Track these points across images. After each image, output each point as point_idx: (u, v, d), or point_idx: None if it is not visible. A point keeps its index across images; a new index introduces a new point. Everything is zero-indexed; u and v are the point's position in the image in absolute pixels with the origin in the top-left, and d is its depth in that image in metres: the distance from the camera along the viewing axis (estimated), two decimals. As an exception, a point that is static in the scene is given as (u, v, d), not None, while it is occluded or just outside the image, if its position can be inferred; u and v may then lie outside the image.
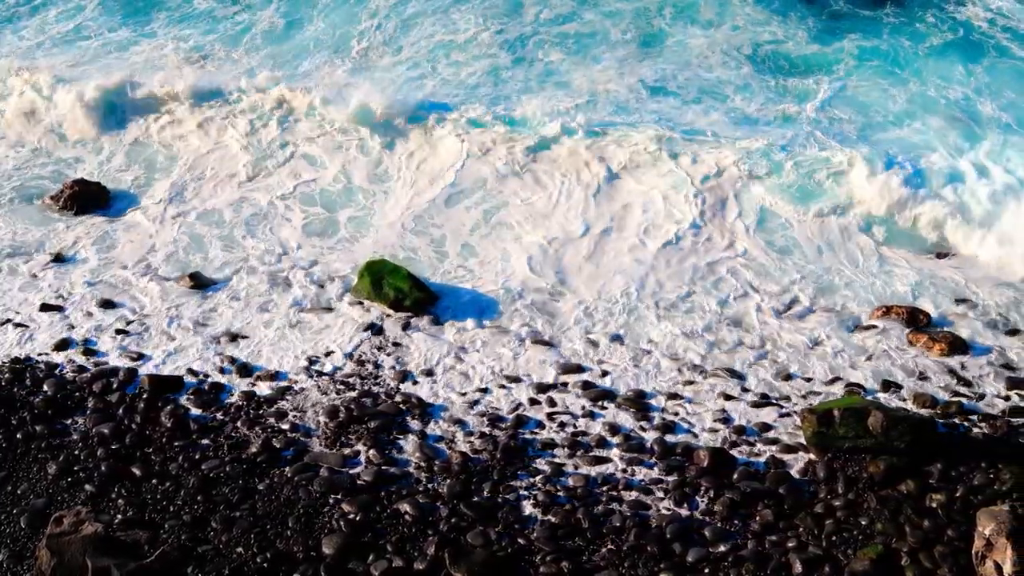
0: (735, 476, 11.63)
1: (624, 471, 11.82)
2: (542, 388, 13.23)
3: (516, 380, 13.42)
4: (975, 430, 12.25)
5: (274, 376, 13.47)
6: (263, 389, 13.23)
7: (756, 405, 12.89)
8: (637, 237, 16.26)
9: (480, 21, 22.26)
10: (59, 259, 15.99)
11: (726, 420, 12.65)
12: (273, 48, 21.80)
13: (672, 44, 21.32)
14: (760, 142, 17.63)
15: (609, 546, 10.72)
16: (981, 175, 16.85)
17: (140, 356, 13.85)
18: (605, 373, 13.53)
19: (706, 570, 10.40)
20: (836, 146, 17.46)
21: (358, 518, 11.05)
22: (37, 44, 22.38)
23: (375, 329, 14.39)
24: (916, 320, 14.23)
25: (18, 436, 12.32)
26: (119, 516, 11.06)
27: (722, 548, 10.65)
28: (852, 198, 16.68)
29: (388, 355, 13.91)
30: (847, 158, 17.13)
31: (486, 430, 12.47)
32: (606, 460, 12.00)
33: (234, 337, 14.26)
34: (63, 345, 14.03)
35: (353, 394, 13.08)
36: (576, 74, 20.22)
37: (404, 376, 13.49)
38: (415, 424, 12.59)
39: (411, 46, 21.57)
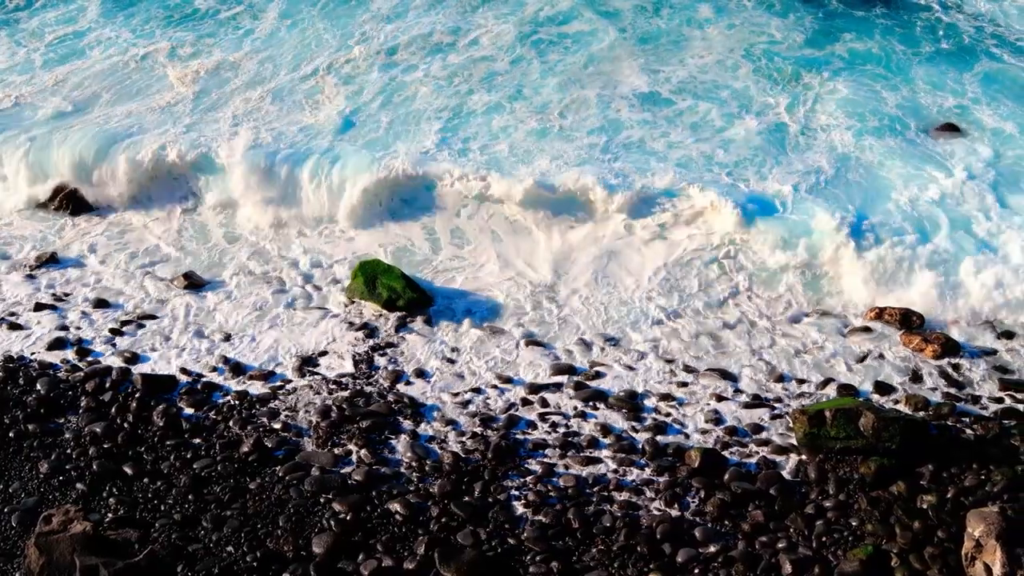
0: (726, 477, 11.62)
1: (615, 471, 11.82)
2: (535, 388, 13.23)
3: (509, 381, 13.43)
4: (967, 432, 12.24)
5: (267, 376, 13.49)
6: (255, 388, 13.25)
7: (748, 406, 12.90)
8: (632, 241, 16.21)
9: (476, 20, 22.34)
10: (54, 259, 16.02)
11: (718, 421, 12.66)
12: (272, 50, 21.71)
13: (667, 43, 21.31)
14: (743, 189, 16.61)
15: (599, 546, 10.71)
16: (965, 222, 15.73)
17: (134, 355, 13.86)
18: (598, 374, 13.53)
19: (696, 570, 10.39)
20: (819, 212, 15.79)
21: (349, 517, 11.05)
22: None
23: (368, 329, 14.41)
24: (909, 322, 14.22)
25: (10, 435, 12.34)
26: (110, 515, 11.07)
27: (712, 548, 10.64)
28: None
29: (381, 355, 13.93)
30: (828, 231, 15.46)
31: (478, 430, 12.48)
32: (597, 460, 12.00)
33: (227, 336, 14.28)
34: (57, 344, 14.05)
35: (345, 394, 13.09)
36: (568, 80, 20.01)
37: (397, 376, 13.49)
38: (407, 424, 12.60)
39: (406, 44, 21.55)
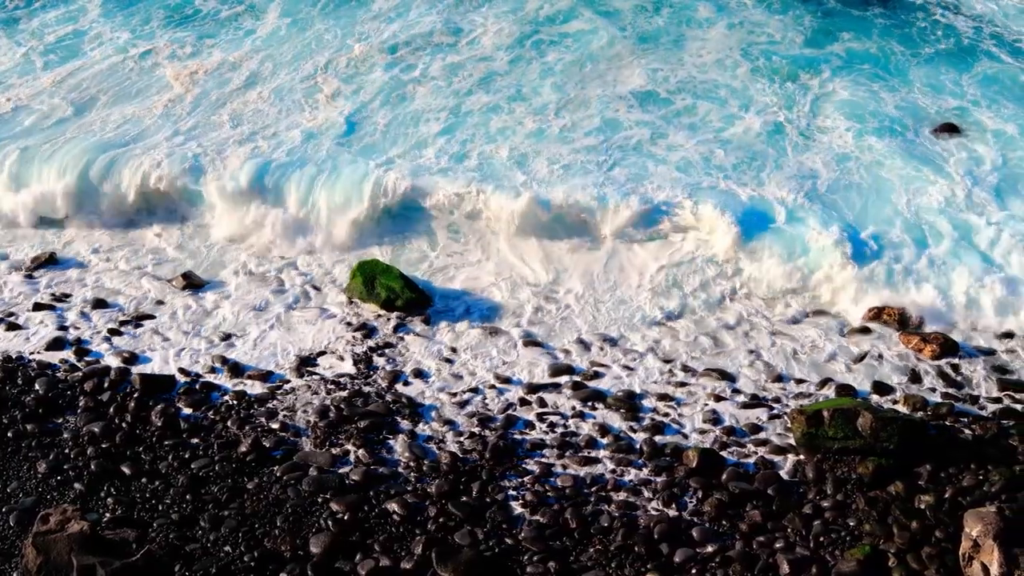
0: (724, 477, 11.62)
1: (613, 472, 11.82)
2: (533, 389, 13.23)
3: (507, 381, 13.43)
4: (965, 432, 12.24)
5: (265, 376, 13.49)
6: (254, 388, 13.25)
7: (746, 406, 12.90)
8: (631, 243, 16.18)
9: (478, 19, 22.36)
10: (53, 259, 16.03)
11: (716, 421, 12.65)
12: (273, 50, 21.68)
13: (666, 43, 21.29)
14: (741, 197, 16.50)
15: (597, 546, 10.71)
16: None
17: (132, 355, 13.87)
18: (597, 374, 13.53)
19: (693, 570, 10.38)
20: (817, 226, 15.53)
21: (346, 517, 11.05)
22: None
23: (367, 329, 14.41)
24: (908, 321, 14.22)
25: (8, 435, 12.34)
26: (107, 515, 11.08)
27: (710, 548, 10.63)
28: None
29: (379, 355, 13.93)
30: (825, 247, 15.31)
31: (476, 430, 12.48)
32: (595, 460, 11.99)
33: (226, 337, 14.29)
34: (56, 344, 14.06)
35: (343, 394, 13.09)
36: (567, 80, 19.96)
37: (395, 376, 13.50)
38: (405, 424, 12.60)
39: (406, 43, 21.55)
